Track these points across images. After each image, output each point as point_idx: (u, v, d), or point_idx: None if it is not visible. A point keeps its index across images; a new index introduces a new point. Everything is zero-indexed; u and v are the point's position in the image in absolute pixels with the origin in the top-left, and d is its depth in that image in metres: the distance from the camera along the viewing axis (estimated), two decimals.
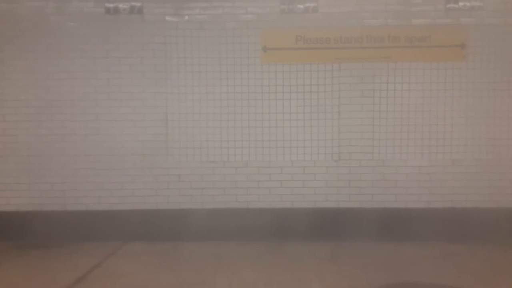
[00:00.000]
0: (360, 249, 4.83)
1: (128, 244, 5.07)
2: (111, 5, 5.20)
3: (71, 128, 5.25)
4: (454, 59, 5.14)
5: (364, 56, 5.15)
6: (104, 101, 5.24)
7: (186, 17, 5.22)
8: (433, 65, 5.17)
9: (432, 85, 5.18)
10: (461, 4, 5.14)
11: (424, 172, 5.21)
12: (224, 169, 5.28)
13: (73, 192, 5.28)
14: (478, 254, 4.65)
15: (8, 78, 5.23)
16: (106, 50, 5.21)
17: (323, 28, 5.16)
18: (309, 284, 3.90)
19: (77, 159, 5.27)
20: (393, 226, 5.14)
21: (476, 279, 3.97)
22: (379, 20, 5.16)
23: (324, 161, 5.26)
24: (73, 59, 5.21)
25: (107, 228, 5.21)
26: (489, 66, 5.15)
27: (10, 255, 4.74)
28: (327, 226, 5.21)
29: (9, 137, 5.26)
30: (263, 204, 5.27)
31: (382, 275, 4.06)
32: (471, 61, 5.15)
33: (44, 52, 5.21)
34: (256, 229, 5.20)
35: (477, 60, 5.16)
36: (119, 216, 5.23)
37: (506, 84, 5.17)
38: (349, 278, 4.01)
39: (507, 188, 5.20)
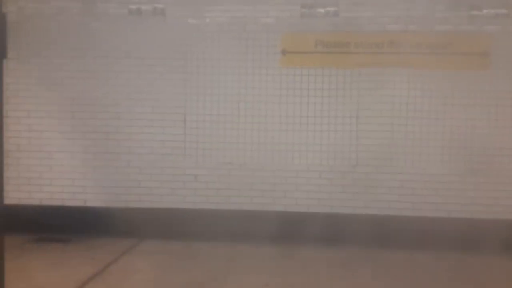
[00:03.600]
0: (374, 256, 4.77)
1: (144, 241, 5.15)
2: (134, 7, 5.29)
3: (92, 126, 5.36)
4: (477, 68, 5.04)
5: (384, 62, 5.09)
6: (124, 101, 5.33)
7: (208, 20, 5.27)
8: (455, 72, 5.06)
9: (453, 92, 5.08)
10: (485, 11, 5.02)
11: (443, 181, 5.12)
12: (240, 171, 5.30)
13: (93, 189, 5.39)
14: (496, 266, 4.54)
15: (33, 76, 5.37)
16: (128, 50, 5.31)
17: (343, 33, 5.13)
18: None
19: (97, 156, 5.38)
20: (409, 234, 5.05)
21: None
22: (401, 26, 5.09)
23: (341, 166, 5.23)
24: (95, 58, 5.32)
25: (124, 225, 5.28)
26: None
27: (29, 248, 4.87)
28: (342, 232, 5.16)
29: (33, 133, 5.40)
30: (278, 207, 5.27)
31: (393, 283, 4.01)
32: (494, 69, 5.03)
33: (68, 51, 5.33)
34: (270, 231, 5.19)
35: (500, 68, 5.03)
36: (135, 213, 5.31)
37: None
38: (362, 284, 3.98)
39: None
